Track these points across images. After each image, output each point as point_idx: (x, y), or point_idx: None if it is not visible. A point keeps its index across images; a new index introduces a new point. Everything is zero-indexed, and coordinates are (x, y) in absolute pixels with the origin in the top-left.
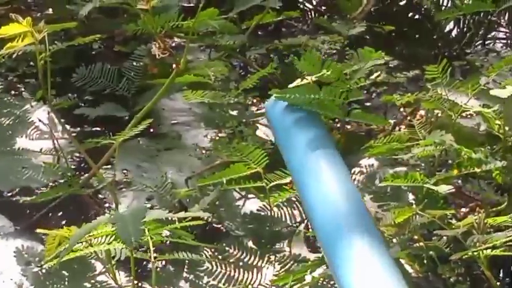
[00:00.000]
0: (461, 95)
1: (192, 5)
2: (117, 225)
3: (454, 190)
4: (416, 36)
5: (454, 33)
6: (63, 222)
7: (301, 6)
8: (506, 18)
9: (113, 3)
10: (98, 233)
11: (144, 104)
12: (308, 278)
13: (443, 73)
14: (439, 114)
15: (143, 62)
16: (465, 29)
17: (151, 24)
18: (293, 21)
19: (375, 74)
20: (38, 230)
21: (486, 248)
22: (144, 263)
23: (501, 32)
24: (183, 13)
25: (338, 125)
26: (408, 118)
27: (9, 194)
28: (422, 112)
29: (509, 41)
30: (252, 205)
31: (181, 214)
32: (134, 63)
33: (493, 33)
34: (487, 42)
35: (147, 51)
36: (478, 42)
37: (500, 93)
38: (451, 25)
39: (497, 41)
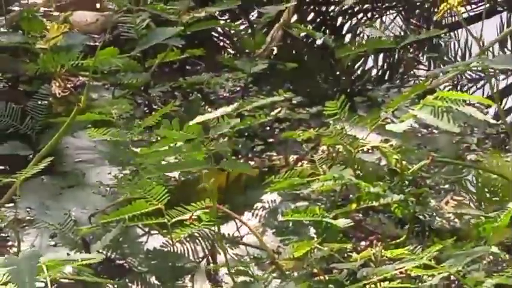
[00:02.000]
0: (362, 130)
1: (98, 43)
2: (12, 272)
3: (353, 224)
4: (321, 73)
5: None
6: None
7: (218, 42)
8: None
9: (13, 43)
10: None
11: (48, 142)
12: None
13: (341, 108)
14: (340, 149)
15: (48, 100)
16: (385, 66)
17: (51, 63)
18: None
19: (276, 111)
20: None
21: (379, 281)
22: None
23: (421, 69)
24: (89, 52)
25: (242, 161)
26: (310, 154)
27: None
28: (324, 147)
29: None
30: (156, 241)
31: (78, 256)
32: (39, 102)
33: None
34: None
35: (50, 91)
36: (397, 79)
37: (395, 127)
38: (370, 63)
39: (417, 78)
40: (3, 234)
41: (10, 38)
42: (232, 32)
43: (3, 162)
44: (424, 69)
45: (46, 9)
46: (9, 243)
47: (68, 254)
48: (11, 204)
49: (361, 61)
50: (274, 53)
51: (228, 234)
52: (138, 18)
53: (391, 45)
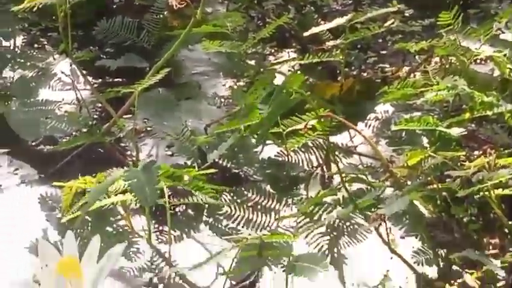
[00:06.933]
0: (474, 42)
1: None
2: (132, 184)
3: (466, 133)
4: None
5: None
6: (86, 169)
7: None
8: None
9: None
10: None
11: (164, 55)
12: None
13: (455, 19)
14: (453, 61)
15: (163, 14)
16: None
17: None
18: None
19: (389, 22)
20: (54, 184)
21: (494, 188)
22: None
23: None
24: None
25: (354, 72)
26: (423, 65)
27: (34, 144)
28: (437, 59)
29: None
30: (270, 151)
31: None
32: (154, 16)
33: None
34: None
35: (167, 4)
36: None
37: (509, 37)
38: None
39: None
40: (122, 144)
41: None
42: None
43: (120, 75)
44: None
45: None
46: (128, 152)
47: (185, 163)
48: (129, 116)
49: None
50: None
51: (342, 143)
52: None
53: None
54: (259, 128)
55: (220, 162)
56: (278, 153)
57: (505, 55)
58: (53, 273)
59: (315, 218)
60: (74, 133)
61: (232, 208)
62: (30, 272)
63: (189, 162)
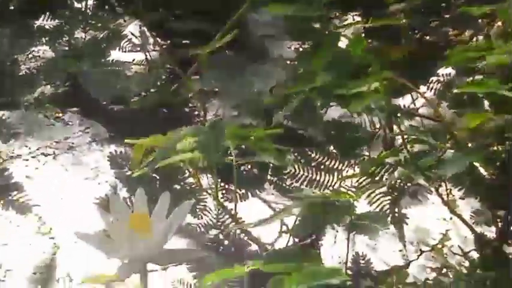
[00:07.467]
0: None
1: None
2: (199, 141)
3: None
4: None
5: None
6: (155, 129)
7: None
8: None
9: None
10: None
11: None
12: None
13: None
14: None
15: None
16: None
17: None
18: None
19: None
20: (126, 140)
21: None
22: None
23: None
24: None
25: (417, 36)
26: (485, 29)
27: (104, 103)
28: (500, 23)
29: None
30: (334, 112)
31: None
32: None
33: None
34: None
35: None
36: None
37: None
38: None
39: None
40: (190, 104)
41: None
42: None
43: (189, 37)
44: None
45: None
46: (196, 112)
47: (251, 124)
48: (197, 77)
49: None
50: None
51: (404, 106)
52: None
53: None
54: (322, 91)
55: (285, 123)
56: (341, 115)
57: None
58: (123, 227)
59: (377, 178)
60: (143, 93)
61: (296, 168)
62: (99, 227)
63: (254, 123)
